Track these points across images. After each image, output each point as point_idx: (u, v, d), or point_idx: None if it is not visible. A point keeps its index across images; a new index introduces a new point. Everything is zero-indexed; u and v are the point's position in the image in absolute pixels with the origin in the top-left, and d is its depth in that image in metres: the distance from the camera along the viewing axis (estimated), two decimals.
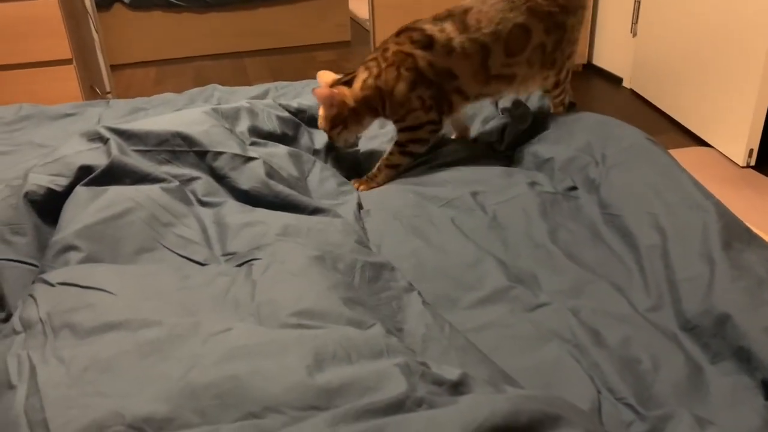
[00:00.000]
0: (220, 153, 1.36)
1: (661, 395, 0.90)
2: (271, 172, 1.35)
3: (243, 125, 1.54)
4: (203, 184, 1.32)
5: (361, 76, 1.57)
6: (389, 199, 1.42)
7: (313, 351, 0.76)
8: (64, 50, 2.76)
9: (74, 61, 2.80)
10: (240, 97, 2.01)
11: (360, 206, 1.40)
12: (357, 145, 1.74)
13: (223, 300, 0.94)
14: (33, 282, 1.01)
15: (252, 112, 1.61)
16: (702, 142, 2.67)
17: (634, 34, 3.18)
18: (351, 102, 1.55)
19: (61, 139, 1.56)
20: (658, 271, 1.11)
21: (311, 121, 1.71)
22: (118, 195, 1.18)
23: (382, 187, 1.53)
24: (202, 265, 1.09)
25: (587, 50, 3.60)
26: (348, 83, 1.58)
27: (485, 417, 0.65)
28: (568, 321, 1.03)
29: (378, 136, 1.76)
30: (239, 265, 1.06)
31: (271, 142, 1.54)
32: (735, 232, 1.11)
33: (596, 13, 3.52)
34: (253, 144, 1.48)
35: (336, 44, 4.45)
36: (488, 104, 1.85)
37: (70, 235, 1.07)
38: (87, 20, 3.09)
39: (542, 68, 1.64)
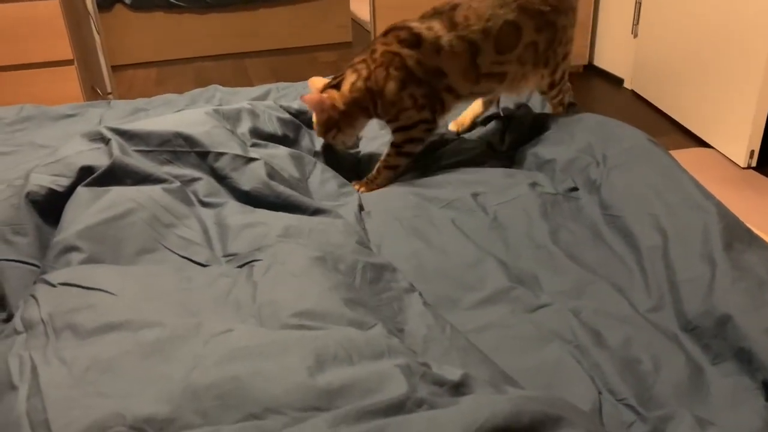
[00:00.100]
0: (222, 154, 1.36)
1: (661, 396, 0.90)
2: (272, 173, 1.35)
3: (244, 126, 1.55)
4: (204, 184, 1.32)
5: (350, 78, 1.56)
6: (390, 201, 1.42)
7: (314, 352, 0.76)
8: (66, 51, 2.76)
9: (75, 62, 2.80)
10: (241, 98, 2.01)
11: (361, 207, 1.40)
12: (358, 146, 1.74)
13: (224, 301, 0.94)
14: (34, 282, 1.01)
15: (253, 114, 1.61)
16: (703, 143, 2.67)
17: (635, 35, 3.18)
18: (341, 105, 1.55)
19: (63, 140, 1.56)
20: (659, 272, 1.11)
21: (312, 123, 1.72)
22: (119, 196, 1.18)
23: (382, 189, 1.53)
24: (203, 266, 1.10)
25: (588, 51, 3.60)
26: (337, 86, 1.58)
27: (486, 418, 0.65)
28: (569, 322, 1.03)
29: (378, 137, 1.76)
30: (240, 266, 1.06)
31: (271, 144, 1.54)
32: (736, 233, 1.11)
33: (597, 14, 3.52)
34: (254, 145, 1.48)
35: (337, 45, 4.45)
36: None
37: (72, 236, 1.07)
38: (88, 21, 3.09)
39: (535, 68, 1.63)
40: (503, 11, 1.54)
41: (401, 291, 1.05)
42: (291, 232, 1.15)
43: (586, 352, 0.97)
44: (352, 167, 1.68)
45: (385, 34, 1.58)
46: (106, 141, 1.33)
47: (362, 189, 1.55)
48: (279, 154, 1.48)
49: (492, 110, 1.86)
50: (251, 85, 2.24)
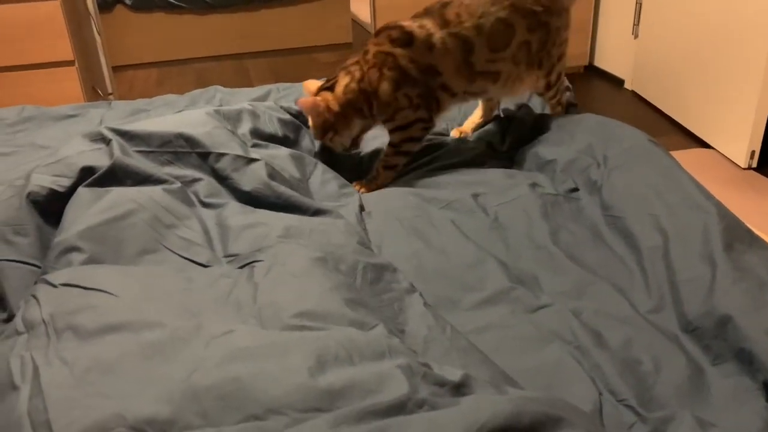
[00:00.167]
0: (223, 154, 1.36)
1: (662, 397, 0.90)
2: (273, 174, 1.35)
3: (245, 127, 1.55)
4: (205, 185, 1.32)
5: (343, 80, 1.56)
6: (390, 201, 1.42)
7: (316, 352, 0.76)
8: (66, 52, 2.76)
9: (76, 63, 2.80)
10: (241, 98, 2.01)
11: (361, 208, 1.40)
12: (359, 147, 1.74)
13: (225, 302, 0.94)
14: (35, 283, 1.01)
15: (254, 115, 1.61)
16: (703, 144, 2.67)
17: (636, 36, 3.18)
18: (335, 107, 1.55)
19: (63, 141, 1.56)
20: (659, 273, 1.11)
21: None
22: (120, 196, 1.18)
23: (383, 190, 1.53)
24: (204, 266, 1.10)
25: (589, 52, 3.60)
26: (330, 89, 1.58)
27: (487, 418, 0.65)
28: (570, 322, 1.03)
29: (378, 137, 1.76)
30: (241, 267, 1.06)
31: (272, 144, 1.54)
32: (736, 234, 1.11)
33: (597, 15, 3.52)
34: (254, 146, 1.48)
35: (337, 46, 4.45)
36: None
37: (73, 237, 1.07)
38: (89, 22, 3.09)
39: (529, 68, 1.63)
40: (495, 8, 1.55)
41: (402, 292, 1.05)
42: (292, 232, 1.15)
43: (586, 353, 0.97)
44: (353, 168, 1.68)
45: (377, 34, 1.59)
46: (107, 141, 1.33)
47: (363, 189, 1.55)
48: (279, 154, 1.49)
49: (493, 113, 1.86)
50: (252, 85, 2.24)
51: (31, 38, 2.71)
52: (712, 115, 2.62)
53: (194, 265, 1.10)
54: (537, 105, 1.86)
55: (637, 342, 0.99)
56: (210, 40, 4.31)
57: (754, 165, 2.44)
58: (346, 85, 1.55)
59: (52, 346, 0.82)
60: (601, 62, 3.60)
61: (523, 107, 1.84)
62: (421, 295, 1.06)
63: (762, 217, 2.13)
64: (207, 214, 1.26)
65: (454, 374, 0.76)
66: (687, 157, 2.37)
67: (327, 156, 1.66)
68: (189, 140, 1.37)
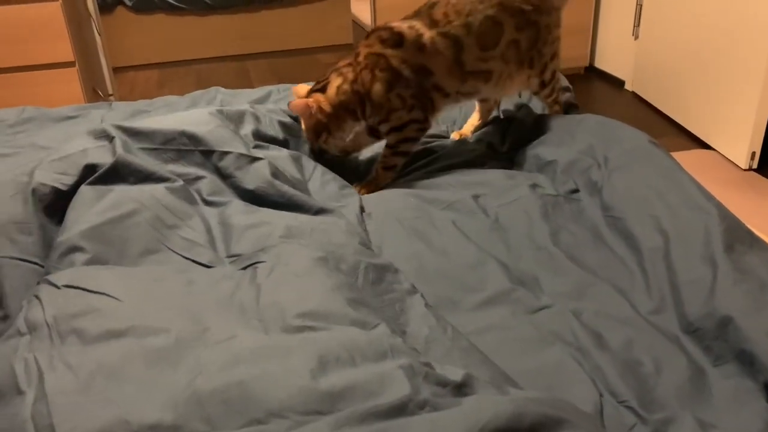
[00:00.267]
0: (227, 153, 1.37)
1: (663, 398, 0.89)
2: (277, 173, 1.35)
3: (247, 129, 1.55)
4: (208, 183, 1.32)
5: (335, 81, 1.56)
6: (390, 202, 1.42)
7: (317, 354, 0.76)
8: (67, 53, 2.77)
9: (77, 64, 2.80)
10: (242, 99, 2.01)
11: (362, 209, 1.40)
12: (359, 151, 1.74)
13: (228, 304, 0.94)
14: (38, 283, 1.01)
15: (255, 117, 1.62)
16: (704, 145, 2.67)
17: (636, 37, 3.18)
18: (328, 108, 1.55)
19: (64, 142, 1.56)
20: (660, 274, 1.11)
21: None
22: (122, 195, 1.18)
23: (383, 191, 1.53)
24: (207, 267, 1.10)
25: (589, 53, 3.60)
26: (322, 90, 1.58)
27: (488, 419, 0.65)
28: (570, 323, 1.03)
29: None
30: (244, 268, 1.06)
31: (273, 146, 1.54)
32: (737, 235, 1.11)
33: (598, 16, 3.52)
34: (256, 147, 1.48)
35: (338, 47, 4.45)
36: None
37: (76, 236, 1.07)
38: (89, 23, 3.09)
39: (519, 67, 1.63)
40: (482, 6, 1.55)
41: (403, 292, 1.05)
42: (294, 232, 1.15)
43: (587, 354, 0.97)
44: (352, 170, 1.68)
45: (368, 36, 1.59)
46: (110, 139, 1.33)
47: (363, 191, 1.55)
48: (280, 155, 1.49)
49: (493, 114, 1.86)
50: (252, 86, 2.24)
51: (31, 39, 2.72)
52: (712, 116, 2.62)
53: (197, 265, 1.10)
54: (537, 106, 1.86)
55: (637, 343, 0.98)
56: (211, 41, 4.32)
57: (755, 166, 2.44)
58: (339, 87, 1.55)
59: (56, 350, 0.82)
60: (601, 63, 3.60)
61: (523, 108, 1.84)
62: (422, 296, 1.05)
63: (763, 218, 2.12)
64: (210, 212, 1.26)
65: (456, 374, 0.76)
66: (687, 158, 2.37)
67: (331, 157, 1.66)
68: (192, 138, 1.37)
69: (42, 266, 1.09)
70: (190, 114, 1.54)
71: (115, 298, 0.91)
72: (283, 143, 1.61)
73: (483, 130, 1.81)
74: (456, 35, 1.54)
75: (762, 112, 2.36)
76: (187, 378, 0.75)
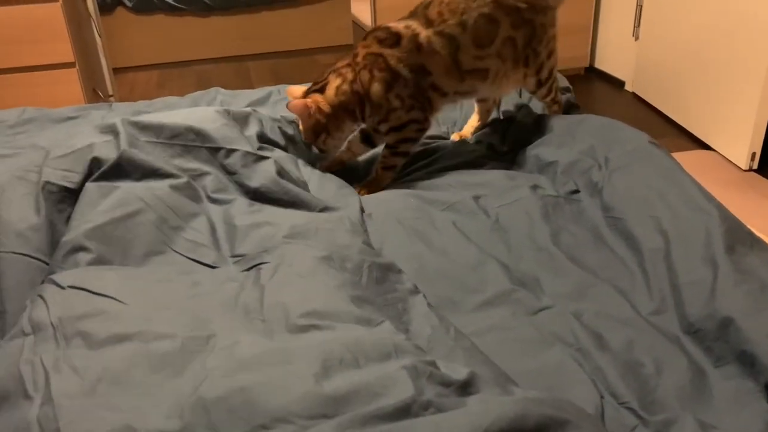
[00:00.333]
0: (233, 150, 1.37)
1: (664, 399, 0.89)
2: (282, 172, 1.36)
3: (252, 130, 1.55)
4: (213, 179, 1.33)
5: (334, 82, 1.56)
6: (391, 203, 1.42)
7: (320, 357, 0.76)
8: (67, 54, 2.76)
9: (77, 65, 2.80)
10: (242, 100, 2.01)
11: (362, 210, 1.40)
12: (356, 157, 1.74)
13: (233, 306, 0.95)
14: (42, 282, 1.01)
15: (260, 121, 1.62)
16: (704, 146, 2.66)
17: (636, 38, 3.18)
18: (327, 108, 1.55)
19: (69, 138, 1.56)
20: (661, 275, 1.11)
21: None
22: (127, 194, 1.18)
23: (383, 192, 1.53)
24: (211, 267, 1.10)
25: (589, 54, 3.60)
26: (320, 90, 1.58)
27: (491, 421, 0.65)
28: (571, 324, 1.03)
29: None
30: (248, 269, 1.06)
31: (276, 148, 1.54)
32: (738, 236, 1.11)
33: (598, 17, 3.52)
34: (260, 148, 1.48)
35: (338, 47, 4.45)
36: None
37: (80, 236, 1.08)
38: (90, 23, 3.09)
39: (515, 66, 1.64)
40: (476, 4, 1.56)
41: (406, 292, 1.05)
42: (298, 231, 1.16)
43: (587, 355, 0.97)
44: (352, 170, 1.69)
45: (365, 38, 1.60)
46: (116, 134, 1.33)
47: (363, 191, 1.55)
48: (283, 156, 1.49)
49: (493, 115, 1.86)
50: (252, 87, 2.24)
51: (31, 40, 2.71)
52: (712, 116, 2.62)
53: (201, 266, 1.10)
54: (537, 106, 1.86)
55: (638, 344, 0.98)
56: (211, 41, 4.31)
57: (755, 167, 2.44)
58: (338, 87, 1.55)
59: (61, 353, 0.82)
60: (601, 64, 3.60)
61: (523, 108, 1.84)
62: (424, 296, 1.05)
63: (763, 219, 2.12)
64: (214, 210, 1.26)
65: (460, 372, 0.76)
66: (688, 159, 2.36)
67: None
68: (200, 134, 1.38)
69: (47, 264, 1.09)
70: (198, 111, 1.55)
71: (120, 301, 0.91)
72: (285, 150, 1.61)
73: (483, 131, 1.81)
74: (451, 34, 1.54)
75: (762, 112, 2.36)
76: (192, 384, 0.75)
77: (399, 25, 1.56)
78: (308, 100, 1.56)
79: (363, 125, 1.64)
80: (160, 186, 1.23)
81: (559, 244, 1.25)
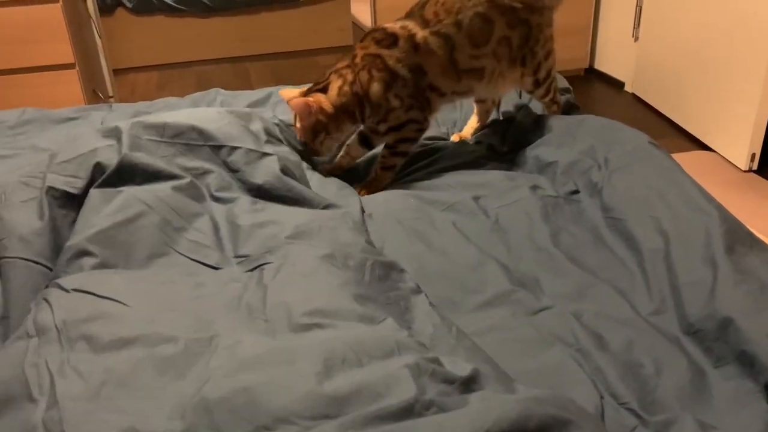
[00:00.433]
0: (236, 148, 1.38)
1: (663, 400, 0.89)
2: (285, 169, 1.36)
3: (257, 126, 1.55)
4: (216, 177, 1.33)
5: (336, 83, 1.57)
6: (391, 204, 1.42)
7: (323, 357, 0.76)
8: (67, 54, 2.76)
9: (77, 66, 2.80)
10: (242, 100, 2.01)
11: (362, 210, 1.40)
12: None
13: (236, 307, 0.95)
14: (46, 286, 1.01)
15: (262, 119, 1.62)
16: (704, 146, 2.67)
17: (636, 39, 3.19)
18: (329, 108, 1.56)
19: (64, 143, 1.56)
20: (660, 275, 1.11)
21: None
22: (129, 198, 1.19)
23: (383, 192, 1.53)
24: (214, 269, 1.10)
25: (589, 55, 3.60)
26: (323, 90, 1.58)
27: (494, 422, 0.65)
28: (571, 325, 1.03)
29: None
30: (251, 270, 1.06)
31: (281, 145, 1.54)
32: (738, 236, 1.11)
33: (598, 18, 3.52)
34: (268, 143, 1.48)
35: (338, 49, 4.45)
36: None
37: (84, 241, 1.08)
38: (90, 25, 3.09)
39: (512, 65, 1.64)
40: (471, 3, 1.56)
41: (408, 291, 1.05)
42: (302, 230, 1.16)
43: (587, 356, 0.97)
44: (352, 170, 1.69)
45: (363, 39, 1.60)
46: (119, 137, 1.33)
47: (363, 192, 1.55)
48: (285, 154, 1.49)
49: (492, 116, 1.86)
50: (252, 88, 2.23)
51: (31, 41, 2.71)
52: (712, 117, 2.62)
53: (205, 267, 1.10)
54: (537, 107, 1.86)
55: (638, 344, 0.98)
56: (211, 43, 4.32)
57: (755, 167, 2.44)
58: (340, 88, 1.56)
59: (66, 356, 0.82)
60: (601, 65, 3.60)
61: (523, 109, 1.84)
62: (426, 296, 1.05)
63: (763, 220, 2.12)
64: (217, 209, 1.27)
65: (463, 369, 0.76)
66: (687, 160, 2.36)
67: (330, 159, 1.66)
68: (202, 133, 1.38)
69: (50, 269, 1.10)
70: (200, 111, 1.56)
71: (124, 304, 0.92)
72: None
73: (483, 131, 1.81)
74: (447, 34, 1.55)
75: (762, 113, 2.36)
76: (195, 385, 0.75)
77: (395, 26, 1.57)
78: (310, 99, 1.56)
79: (361, 127, 1.64)
80: (163, 188, 1.23)
81: (558, 245, 1.25)
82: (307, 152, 1.62)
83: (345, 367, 0.75)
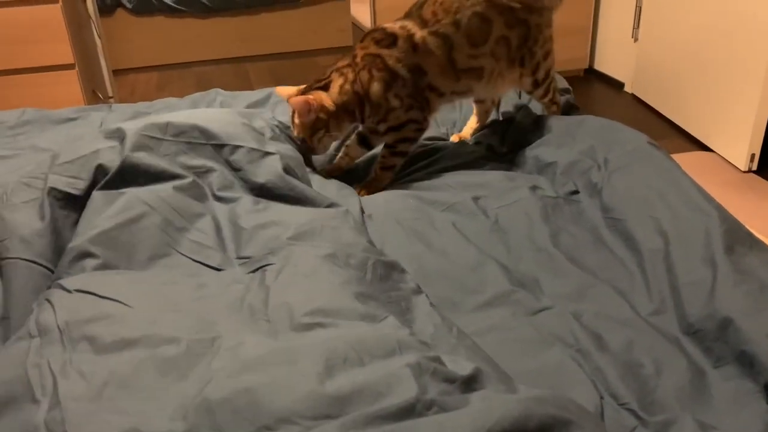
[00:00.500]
0: (238, 146, 1.38)
1: (663, 400, 0.89)
2: (288, 168, 1.36)
3: (260, 123, 1.55)
4: (218, 176, 1.33)
5: (337, 81, 1.57)
6: (390, 204, 1.42)
7: (325, 356, 0.76)
8: (67, 55, 2.76)
9: (77, 66, 2.80)
10: (242, 101, 2.01)
11: (362, 210, 1.40)
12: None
13: (239, 308, 0.95)
14: (49, 287, 1.02)
15: (265, 119, 1.62)
16: (704, 147, 2.67)
17: (636, 39, 3.19)
18: (331, 106, 1.56)
19: (64, 144, 1.56)
20: (660, 275, 1.11)
21: None
22: (131, 199, 1.19)
23: (383, 192, 1.53)
24: (217, 270, 1.10)
25: (589, 55, 3.60)
26: (324, 88, 1.58)
27: (495, 422, 0.65)
28: (570, 325, 1.03)
29: None
30: (253, 271, 1.06)
31: (285, 143, 1.54)
32: (737, 237, 1.11)
33: (597, 18, 3.53)
34: (270, 141, 1.47)
35: (338, 49, 4.45)
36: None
37: (86, 242, 1.08)
38: (89, 25, 3.09)
39: (510, 65, 1.64)
40: (470, 3, 1.56)
41: (409, 291, 1.06)
42: (303, 230, 1.16)
43: (587, 356, 0.97)
44: (351, 171, 1.69)
45: (362, 39, 1.60)
46: (122, 138, 1.33)
47: (363, 192, 1.55)
48: (287, 153, 1.49)
49: (492, 116, 1.86)
50: (252, 89, 2.23)
51: (31, 41, 2.71)
52: (712, 118, 2.62)
53: (207, 268, 1.10)
54: (537, 107, 1.86)
55: (638, 345, 0.98)
56: (210, 43, 4.32)
57: (754, 168, 2.44)
58: (341, 86, 1.56)
59: (68, 357, 0.82)
60: (601, 65, 3.60)
61: (523, 109, 1.84)
62: (426, 296, 1.06)
63: (762, 220, 2.12)
64: (220, 209, 1.27)
65: (464, 368, 0.76)
66: (687, 160, 2.36)
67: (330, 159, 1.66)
68: (205, 132, 1.38)
69: (51, 270, 1.10)
70: (203, 111, 1.56)
71: (126, 305, 0.92)
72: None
73: (483, 131, 1.81)
74: (446, 33, 1.55)
75: (761, 114, 2.36)
76: (197, 386, 0.75)
77: (395, 26, 1.57)
78: (310, 97, 1.56)
79: (360, 127, 1.65)
80: (165, 188, 1.23)
81: (558, 245, 1.25)
82: (303, 149, 1.61)
83: (346, 366, 0.75)
